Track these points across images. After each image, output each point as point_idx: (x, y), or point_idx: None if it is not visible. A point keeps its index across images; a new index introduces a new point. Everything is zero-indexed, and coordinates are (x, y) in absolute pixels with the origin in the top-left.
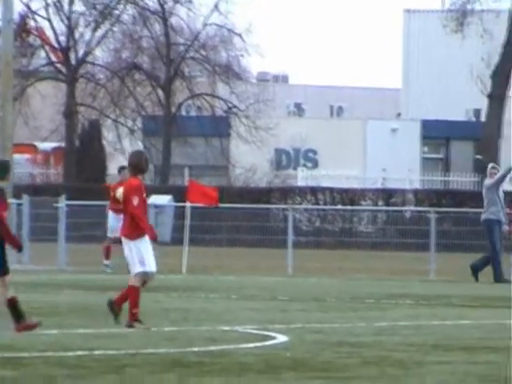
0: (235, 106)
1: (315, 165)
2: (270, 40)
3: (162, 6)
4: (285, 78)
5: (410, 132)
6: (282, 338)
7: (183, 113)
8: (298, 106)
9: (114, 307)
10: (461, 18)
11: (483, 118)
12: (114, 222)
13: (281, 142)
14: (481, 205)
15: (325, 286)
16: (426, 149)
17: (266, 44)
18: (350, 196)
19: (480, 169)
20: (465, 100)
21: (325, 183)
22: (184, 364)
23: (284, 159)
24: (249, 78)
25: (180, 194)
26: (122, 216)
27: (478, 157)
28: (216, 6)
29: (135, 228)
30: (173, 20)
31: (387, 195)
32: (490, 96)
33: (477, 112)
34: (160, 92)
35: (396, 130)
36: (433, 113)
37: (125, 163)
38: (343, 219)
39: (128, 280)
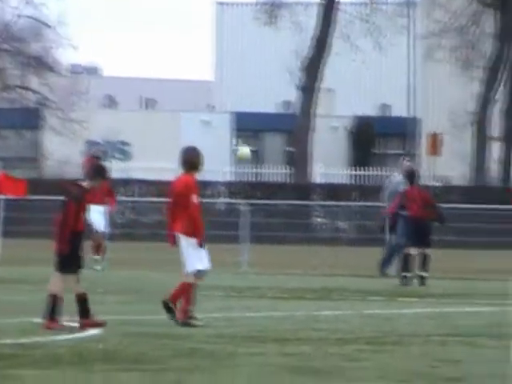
0: (47, 99)
1: (128, 157)
2: (82, 32)
3: None
4: (97, 70)
5: (223, 124)
6: (94, 330)
7: None
8: (110, 98)
9: (170, 306)
10: (272, 10)
11: (294, 111)
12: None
13: (93, 134)
14: (291, 196)
15: (138, 279)
16: (238, 141)
17: (79, 36)
18: (164, 188)
19: (292, 161)
20: (277, 92)
21: (138, 175)
22: None
23: None
24: (61, 71)
25: None
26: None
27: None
28: None
29: (193, 225)
30: None
31: (200, 187)
32: (301, 88)
33: (288, 104)
34: None
35: (208, 123)
36: (245, 105)
37: None
38: (157, 211)
39: (182, 277)
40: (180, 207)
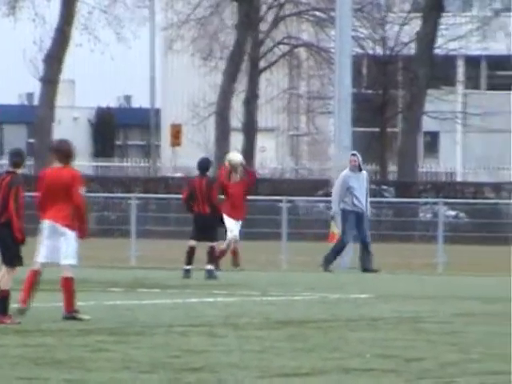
0: None
1: None
2: None
3: None
4: None
5: None
6: None
7: None
8: None
9: (74, 316)
10: (13, 1)
11: (36, 102)
12: None
13: None
14: (34, 188)
15: None
16: None
17: None
18: None
19: (33, 152)
20: (18, 84)
21: None
22: None
23: None
24: None
25: None
26: None
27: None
28: None
29: (74, 218)
30: None
31: None
32: (43, 80)
33: (30, 96)
34: None
35: None
36: None
37: None
38: None
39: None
40: (58, 199)
